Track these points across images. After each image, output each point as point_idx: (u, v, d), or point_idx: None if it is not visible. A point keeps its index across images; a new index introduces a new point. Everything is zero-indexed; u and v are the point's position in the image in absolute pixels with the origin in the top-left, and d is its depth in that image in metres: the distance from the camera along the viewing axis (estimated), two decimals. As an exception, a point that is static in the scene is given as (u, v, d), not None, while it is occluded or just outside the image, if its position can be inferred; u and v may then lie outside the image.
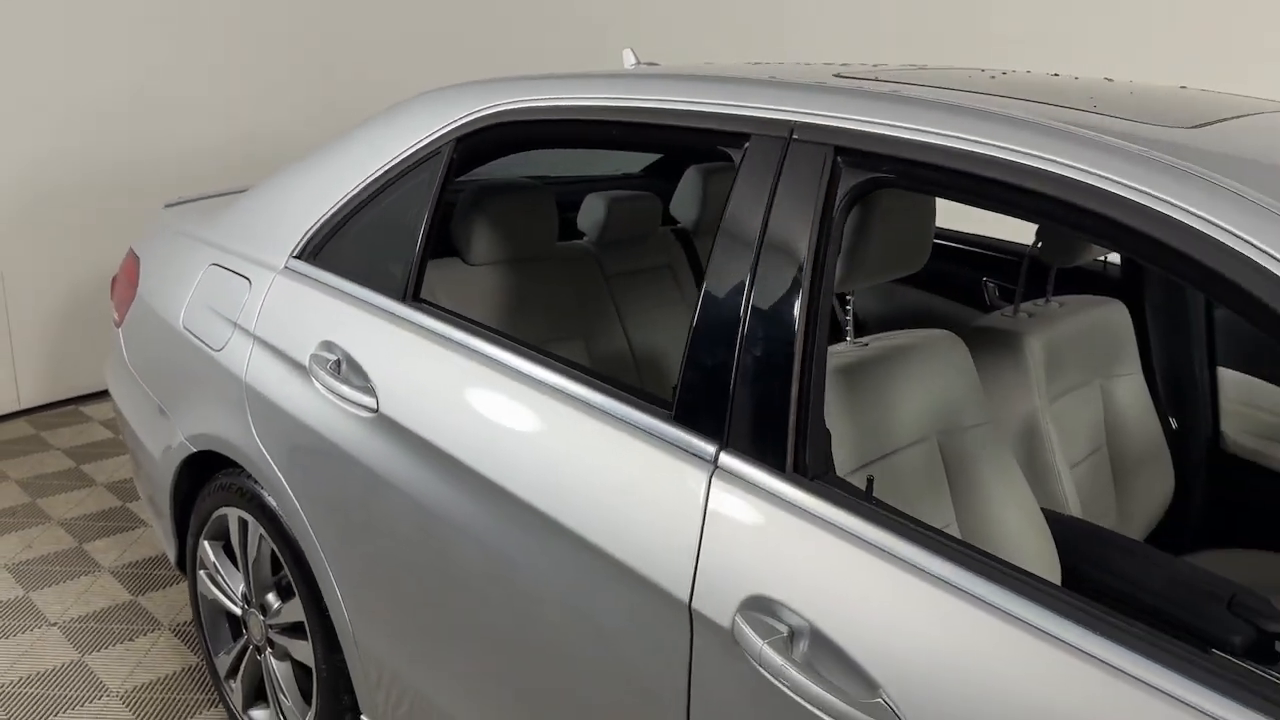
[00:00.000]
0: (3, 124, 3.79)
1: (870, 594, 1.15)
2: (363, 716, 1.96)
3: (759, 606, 1.22)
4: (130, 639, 2.68)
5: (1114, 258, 2.43)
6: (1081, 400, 2.12)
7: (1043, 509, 1.81)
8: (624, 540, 1.36)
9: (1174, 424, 2.32)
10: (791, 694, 1.17)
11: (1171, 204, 1.08)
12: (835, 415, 1.48)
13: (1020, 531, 1.71)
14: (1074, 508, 2.00)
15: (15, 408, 4.07)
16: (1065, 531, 1.78)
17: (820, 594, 1.19)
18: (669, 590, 1.30)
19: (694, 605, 1.28)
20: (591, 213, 2.45)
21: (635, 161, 3.19)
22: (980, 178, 1.21)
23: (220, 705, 2.42)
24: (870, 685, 1.13)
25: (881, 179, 1.30)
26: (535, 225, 2.31)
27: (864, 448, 1.56)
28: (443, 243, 2.25)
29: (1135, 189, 1.10)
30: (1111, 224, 1.11)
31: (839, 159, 1.33)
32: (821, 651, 1.17)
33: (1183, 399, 2.36)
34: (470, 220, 2.20)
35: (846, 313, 1.70)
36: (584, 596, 1.41)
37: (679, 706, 1.31)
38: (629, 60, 2.31)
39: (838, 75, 1.57)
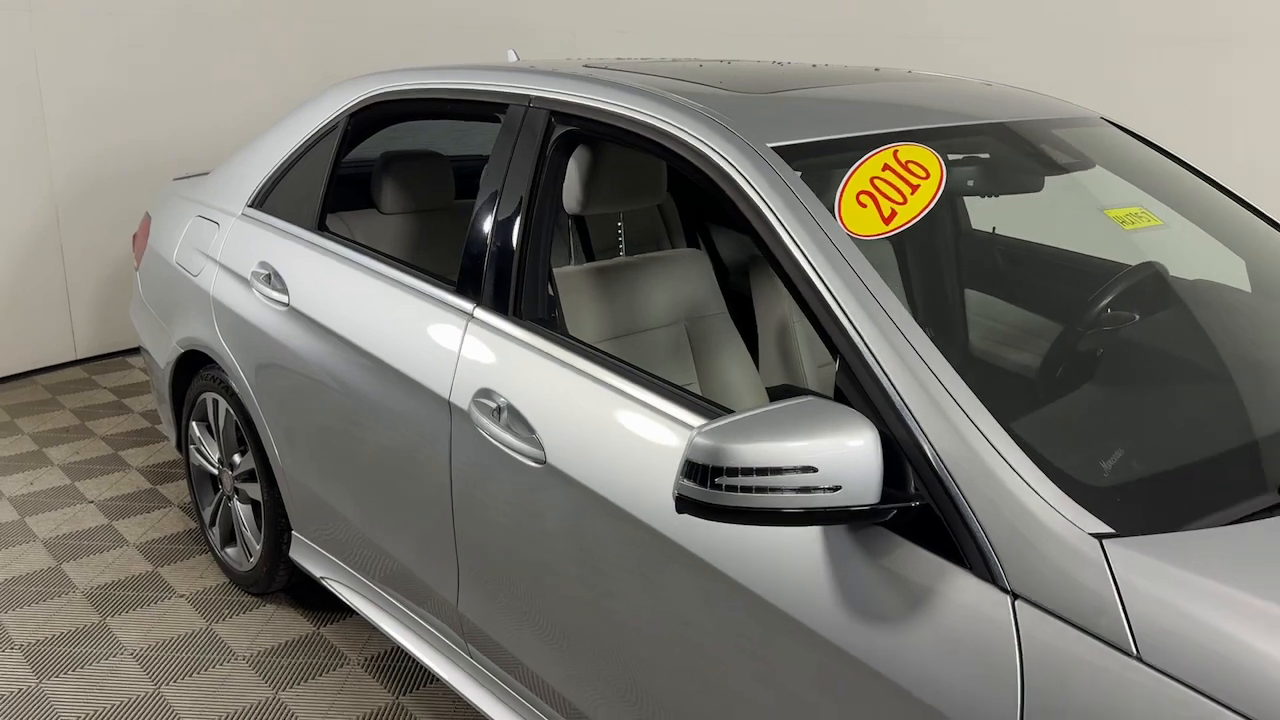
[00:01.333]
0: (63, 124, 4.65)
1: (546, 385, 1.87)
2: (294, 532, 2.73)
3: (484, 395, 1.95)
4: (179, 554, 3.49)
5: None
6: None
7: (782, 384, 2.50)
8: (420, 367, 2.10)
9: (930, 333, 2.98)
10: (498, 445, 1.90)
11: (677, 128, 1.79)
12: (591, 301, 2.21)
13: (739, 387, 2.41)
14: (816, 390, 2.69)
15: (72, 357, 4.94)
16: (784, 395, 2.48)
17: (517, 385, 1.91)
18: (438, 392, 2.04)
19: (451, 399, 2.01)
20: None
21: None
22: (598, 122, 1.93)
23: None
24: (537, 438, 1.84)
25: (572, 131, 2.02)
26: (433, 184, 3.05)
27: (616, 325, 2.28)
28: (363, 197, 3.01)
29: (655, 118, 1.82)
30: (647, 140, 1.82)
31: (552, 118, 2.05)
32: (514, 419, 1.89)
33: (938, 314, 3.02)
34: (382, 180, 2.96)
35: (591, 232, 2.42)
36: (401, 403, 2.15)
37: (446, 456, 2.03)
38: (510, 57, 3.04)
39: (586, 66, 2.29)
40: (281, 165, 2.77)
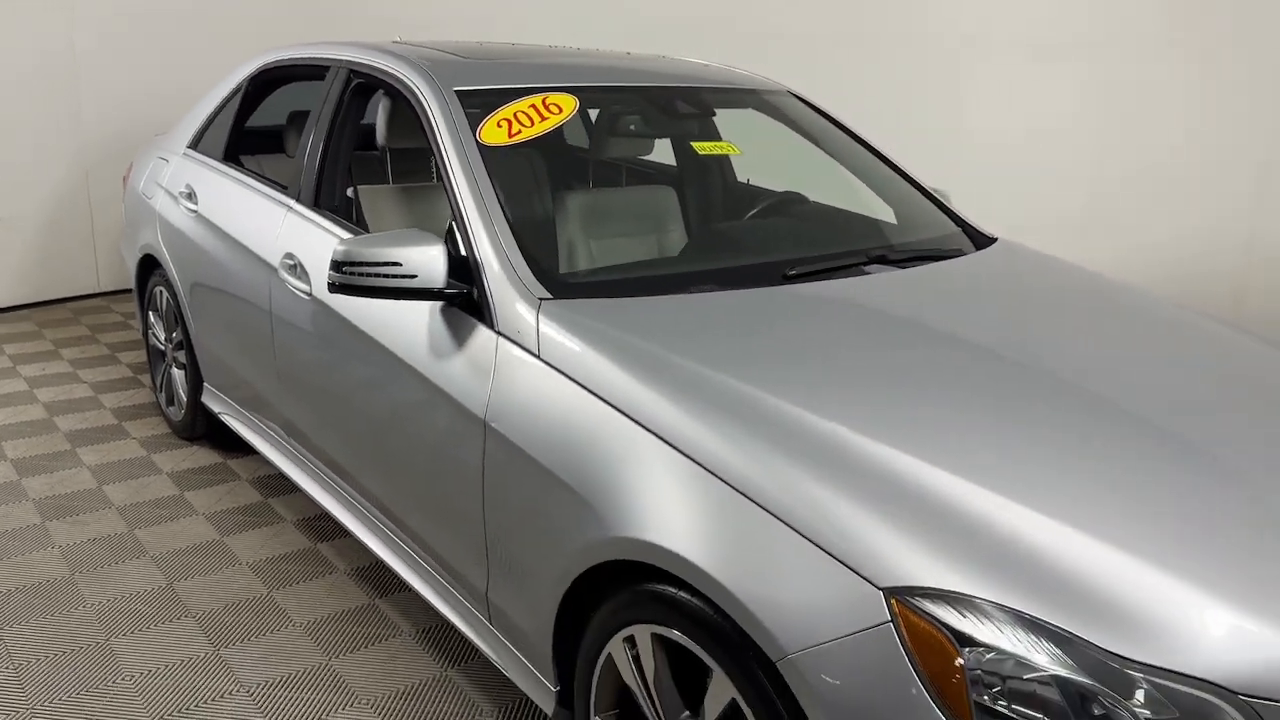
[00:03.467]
0: (95, 103, 5.78)
1: (317, 247, 2.82)
2: (205, 383, 3.73)
3: (288, 257, 2.91)
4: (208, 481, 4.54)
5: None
6: None
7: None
8: (259, 243, 3.08)
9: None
10: (292, 288, 2.86)
11: (404, 77, 2.73)
12: (381, 210, 3.16)
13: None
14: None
15: (95, 289, 6.07)
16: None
17: (304, 249, 2.86)
18: (265, 258, 3.02)
19: (271, 261, 2.99)
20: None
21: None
22: (365, 75, 2.89)
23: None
24: (309, 278, 2.80)
25: (358, 83, 2.98)
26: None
27: (389, 225, 3.24)
28: (278, 145, 4.02)
29: (393, 72, 2.77)
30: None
31: (350, 75, 3.02)
32: (301, 271, 2.85)
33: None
34: (286, 130, 3.95)
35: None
36: (249, 270, 3.13)
37: (268, 301, 3.00)
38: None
39: (395, 41, 3.25)
40: (209, 116, 3.80)
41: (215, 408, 3.66)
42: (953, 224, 3.12)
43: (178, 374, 3.95)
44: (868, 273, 2.56)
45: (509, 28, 5.77)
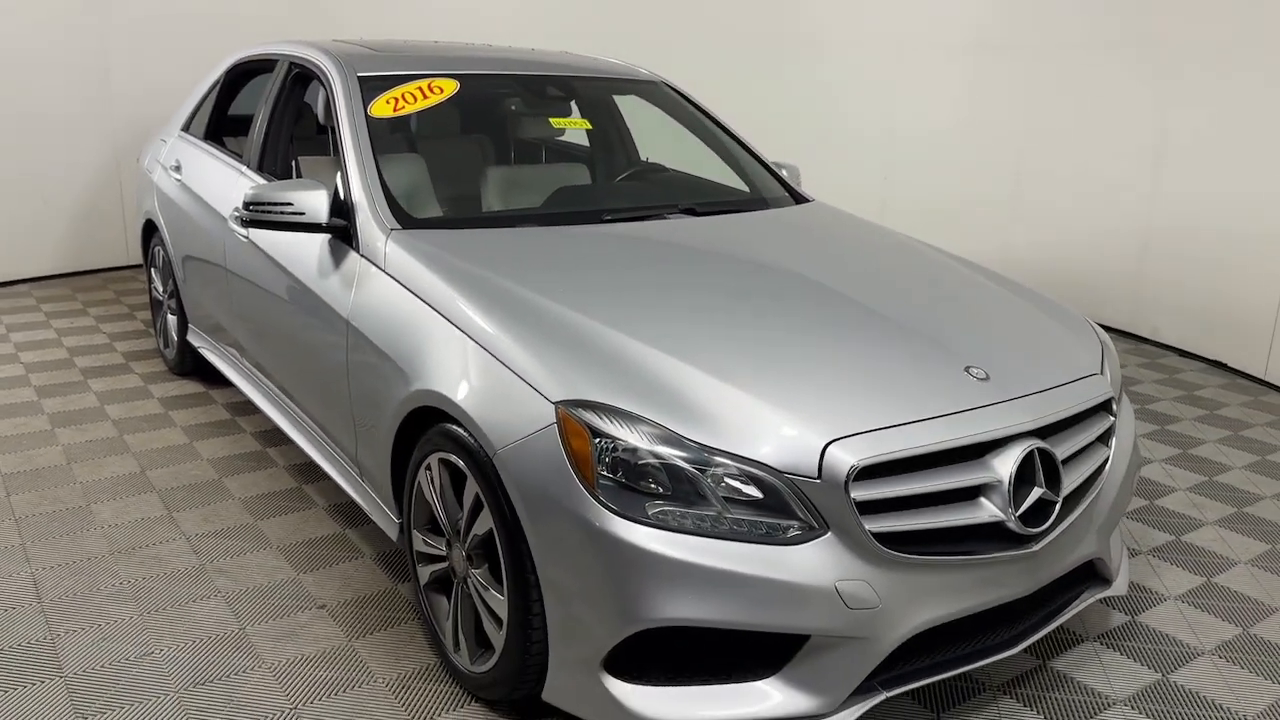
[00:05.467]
0: (125, 97, 6.64)
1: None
2: (190, 324, 4.51)
3: (236, 210, 3.66)
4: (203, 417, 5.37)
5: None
6: None
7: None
8: (218, 201, 3.84)
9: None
10: (236, 233, 3.62)
11: (321, 65, 3.48)
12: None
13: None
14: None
15: (125, 262, 6.94)
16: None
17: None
18: (221, 212, 3.78)
19: (225, 214, 3.75)
20: None
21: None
22: (295, 64, 3.63)
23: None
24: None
25: (294, 72, 3.73)
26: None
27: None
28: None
29: (314, 61, 3.52)
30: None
31: (291, 67, 3.78)
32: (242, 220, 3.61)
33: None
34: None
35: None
36: (212, 225, 3.90)
37: (223, 248, 3.76)
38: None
39: (334, 40, 4.00)
40: (197, 104, 4.60)
41: (195, 343, 4.44)
42: (785, 191, 3.79)
43: (171, 319, 4.75)
44: (667, 218, 3.24)
45: (509, 30, 6.53)
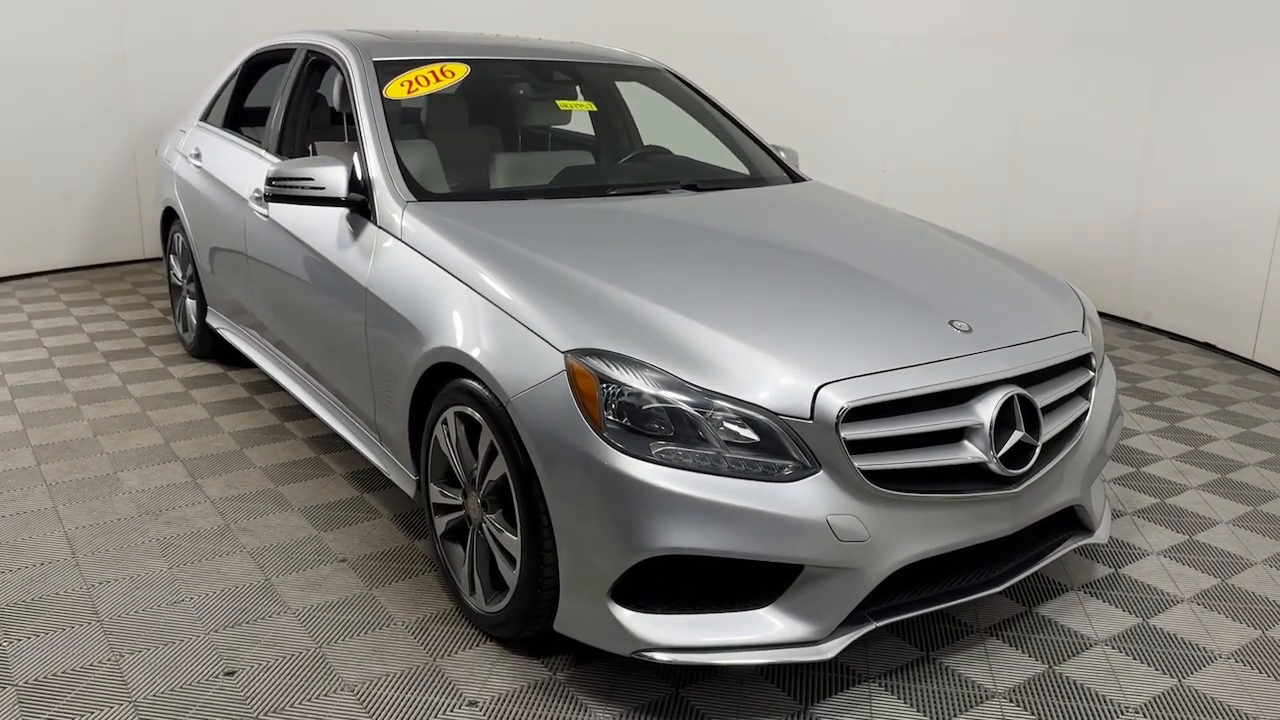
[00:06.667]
0: (142, 96, 6.81)
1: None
2: (210, 306, 4.67)
3: (256, 190, 3.82)
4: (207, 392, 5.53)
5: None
6: None
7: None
8: (239, 184, 4.00)
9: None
10: (257, 213, 3.78)
11: (339, 52, 3.63)
12: None
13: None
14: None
15: (141, 256, 7.11)
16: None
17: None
18: (241, 194, 3.94)
19: (245, 196, 3.91)
20: None
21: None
22: (313, 51, 3.79)
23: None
24: (266, 205, 3.70)
25: (311, 59, 3.89)
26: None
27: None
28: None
29: (332, 48, 3.68)
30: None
31: (308, 55, 3.94)
32: (262, 200, 3.76)
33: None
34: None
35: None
36: (233, 207, 4.06)
37: (243, 227, 3.92)
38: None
39: (348, 30, 4.16)
40: (215, 94, 4.77)
41: (214, 324, 4.60)
42: (783, 171, 3.94)
43: (190, 304, 4.91)
44: (669, 193, 3.39)
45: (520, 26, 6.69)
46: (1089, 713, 2.40)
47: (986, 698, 2.45)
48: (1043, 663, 2.60)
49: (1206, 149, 5.48)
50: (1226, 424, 4.42)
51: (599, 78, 4.20)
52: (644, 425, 2.21)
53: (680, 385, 2.22)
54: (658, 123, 4.46)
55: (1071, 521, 2.78)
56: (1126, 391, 4.84)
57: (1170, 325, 5.85)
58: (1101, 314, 6.15)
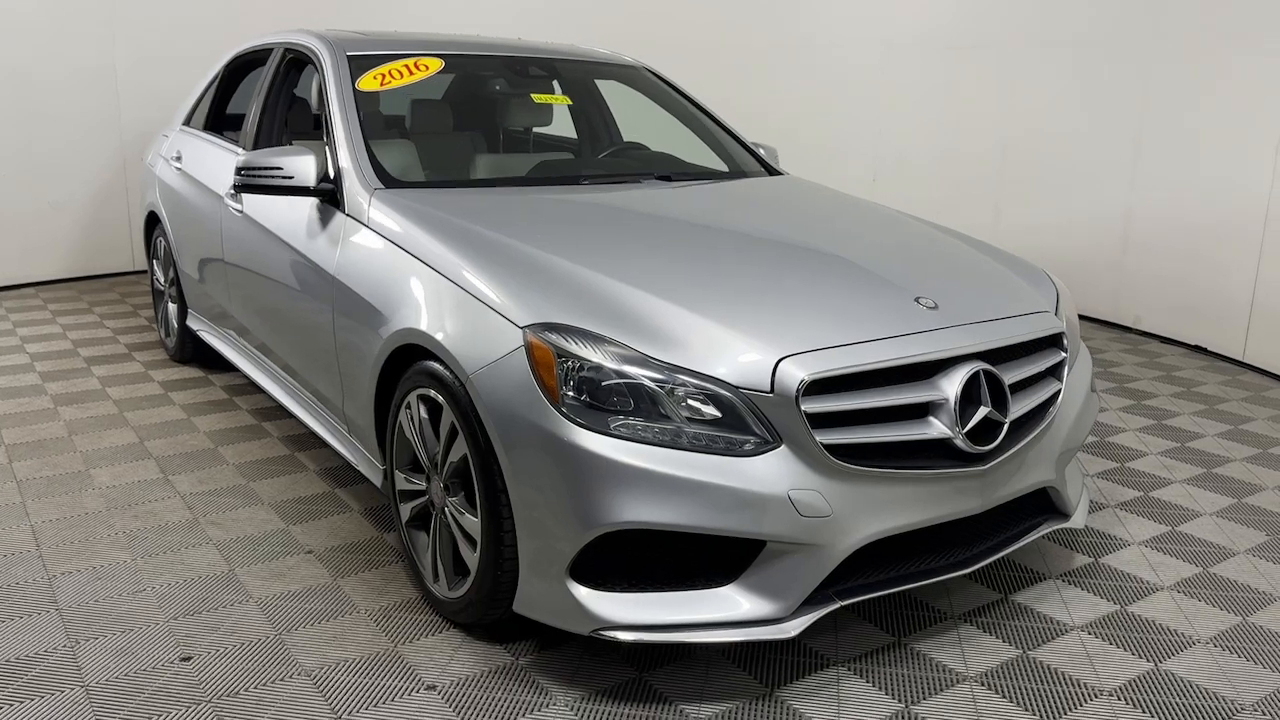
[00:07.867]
0: (133, 105, 6.83)
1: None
2: (190, 309, 4.65)
3: (230, 188, 3.81)
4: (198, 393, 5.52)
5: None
6: None
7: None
8: (214, 182, 3.99)
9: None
10: (232, 209, 3.76)
11: (313, 48, 3.63)
12: None
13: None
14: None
15: (131, 267, 7.10)
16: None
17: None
18: (217, 191, 3.93)
19: (220, 193, 3.89)
20: None
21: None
22: (289, 50, 3.79)
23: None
24: (241, 200, 3.69)
25: (288, 58, 3.89)
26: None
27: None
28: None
29: (306, 45, 3.68)
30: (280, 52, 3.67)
31: (285, 54, 3.94)
32: (237, 196, 3.75)
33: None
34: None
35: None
36: (210, 205, 4.05)
37: (220, 225, 3.90)
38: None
39: (330, 30, 4.16)
40: (197, 99, 4.77)
41: (195, 326, 4.58)
42: (761, 167, 3.92)
43: (172, 308, 4.89)
44: (642, 184, 3.37)
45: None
46: (1062, 696, 2.35)
47: (957, 681, 2.40)
48: (1017, 648, 2.54)
49: (1194, 151, 5.46)
50: (1215, 421, 4.38)
51: (577, 74, 4.19)
52: (604, 401, 2.18)
53: (642, 360, 2.18)
54: (639, 121, 4.45)
55: (1046, 506, 2.74)
56: (1114, 392, 4.80)
57: (1160, 329, 5.81)
58: (1092, 319, 6.11)
